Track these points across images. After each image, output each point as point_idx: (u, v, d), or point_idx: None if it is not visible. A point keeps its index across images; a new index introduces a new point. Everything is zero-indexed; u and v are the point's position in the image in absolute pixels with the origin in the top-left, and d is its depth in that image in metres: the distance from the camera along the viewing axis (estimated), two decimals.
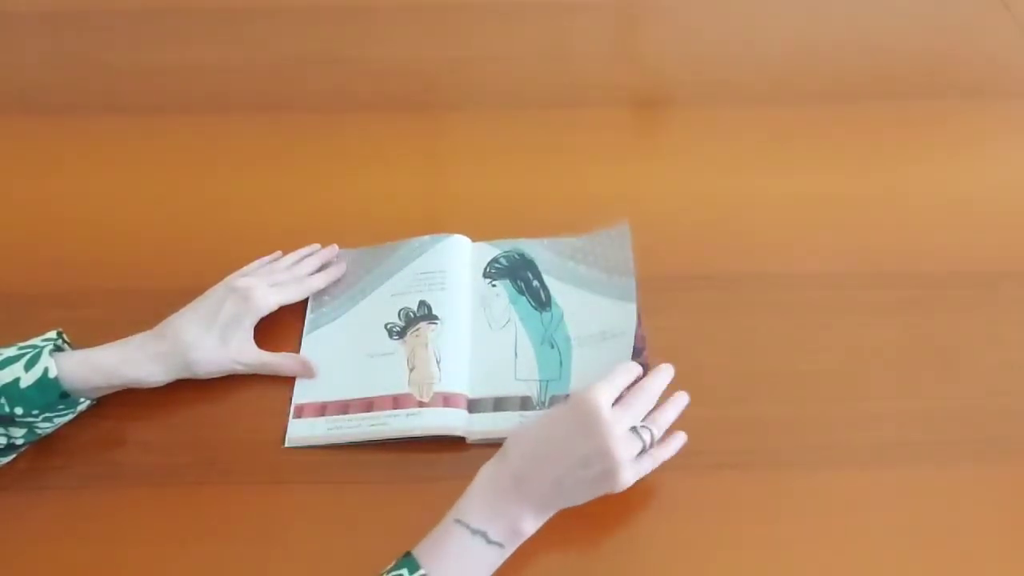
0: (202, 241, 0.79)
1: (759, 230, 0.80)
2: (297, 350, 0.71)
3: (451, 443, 0.65)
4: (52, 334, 0.65)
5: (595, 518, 0.61)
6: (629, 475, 0.58)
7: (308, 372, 0.69)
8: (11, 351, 0.61)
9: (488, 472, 0.58)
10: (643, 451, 0.59)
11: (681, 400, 0.64)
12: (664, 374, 0.64)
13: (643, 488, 0.63)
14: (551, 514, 0.58)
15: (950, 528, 0.62)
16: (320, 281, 0.74)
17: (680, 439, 0.63)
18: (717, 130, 0.90)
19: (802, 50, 0.99)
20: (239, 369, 0.68)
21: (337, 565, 0.59)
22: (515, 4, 1.04)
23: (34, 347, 0.62)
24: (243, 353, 0.67)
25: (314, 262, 0.76)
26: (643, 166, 0.87)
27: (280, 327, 0.71)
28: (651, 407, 0.61)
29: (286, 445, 0.65)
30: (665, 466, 0.61)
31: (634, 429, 0.59)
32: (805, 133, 0.90)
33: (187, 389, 0.67)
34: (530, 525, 0.57)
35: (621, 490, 0.58)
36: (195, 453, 0.65)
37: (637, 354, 0.69)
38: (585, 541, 0.60)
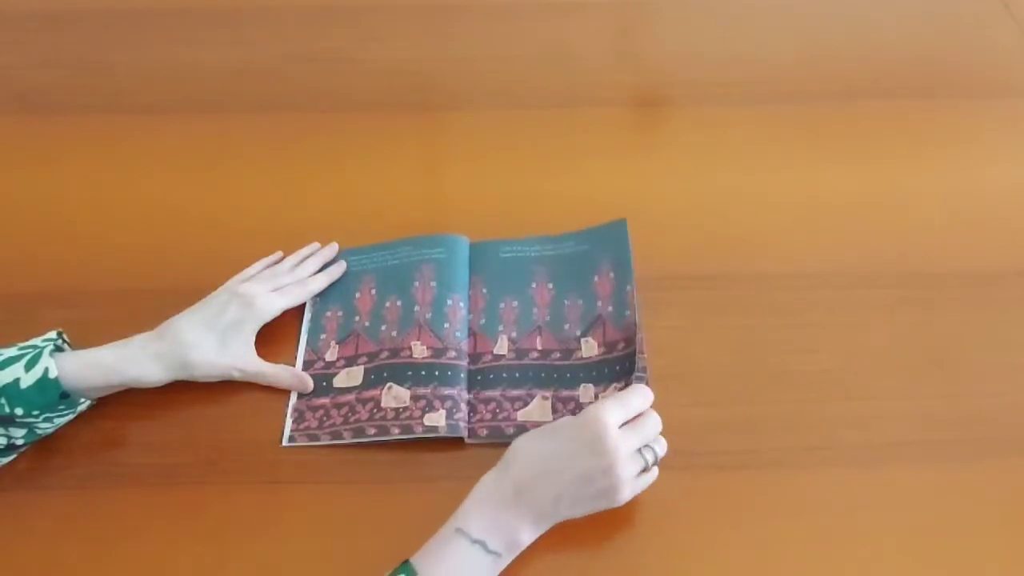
0: (202, 241, 0.79)
1: (759, 230, 0.80)
2: (294, 354, 0.71)
3: (450, 443, 0.65)
4: (52, 334, 0.65)
5: (594, 518, 0.60)
6: (628, 493, 0.59)
7: (304, 386, 0.68)
8: (11, 351, 0.61)
9: (490, 481, 0.58)
10: (643, 470, 0.60)
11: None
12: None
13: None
14: (550, 526, 0.59)
15: (950, 528, 0.62)
16: (321, 282, 0.74)
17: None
18: (717, 130, 0.90)
19: (802, 50, 0.99)
20: (236, 376, 0.67)
21: (337, 565, 0.59)
22: (515, 4, 1.04)
23: (34, 347, 0.62)
24: (242, 360, 0.67)
25: (315, 263, 0.76)
26: (643, 166, 0.87)
27: (278, 333, 0.71)
28: (658, 432, 0.62)
29: (284, 444, 0.65)
30: (665, 466, 0.61)
31: (639, 450, 0.60)
32: (805, 133, 0.90)
33: (187, 390, 0.67)
34: (528, 536, 0.57)
35: (618, 506, 0.59)
36: (195, 453, 0.65)
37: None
38: (585, 541, 0.60)
